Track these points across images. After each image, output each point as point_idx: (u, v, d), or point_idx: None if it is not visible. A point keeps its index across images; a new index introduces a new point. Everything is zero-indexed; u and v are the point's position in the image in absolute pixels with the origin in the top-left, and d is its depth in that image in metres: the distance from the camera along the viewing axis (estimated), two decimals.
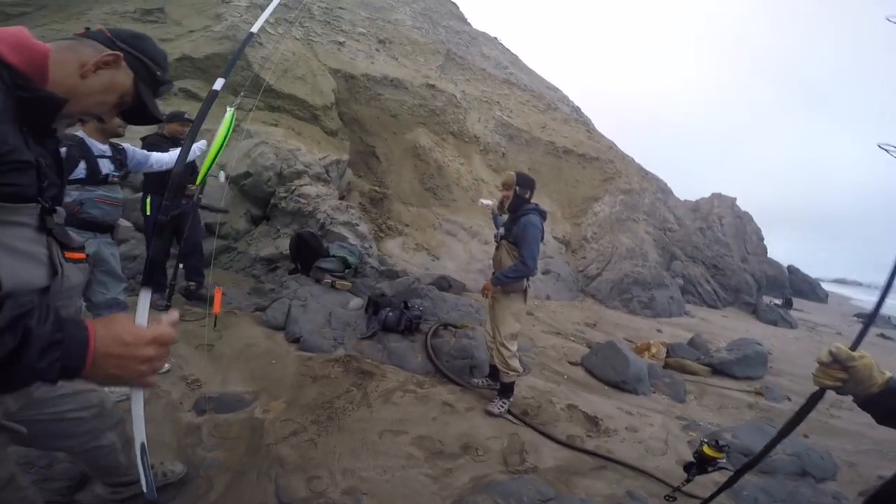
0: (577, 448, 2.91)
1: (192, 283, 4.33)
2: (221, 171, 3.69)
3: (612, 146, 14.35)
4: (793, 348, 9.13)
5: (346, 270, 5.42)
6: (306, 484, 2.13)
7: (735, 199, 18.78)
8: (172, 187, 1.37)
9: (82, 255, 1.06)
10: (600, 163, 12.84)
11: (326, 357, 3.55)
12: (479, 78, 13.06)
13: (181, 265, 4.08)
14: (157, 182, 3.76)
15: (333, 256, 5.41)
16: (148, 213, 3.85)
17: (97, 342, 0.72)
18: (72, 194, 2.34)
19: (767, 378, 6.13)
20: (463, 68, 12.82)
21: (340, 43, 10.03)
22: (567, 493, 2.40)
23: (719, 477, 2.28)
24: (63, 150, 1.08)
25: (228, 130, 1.53)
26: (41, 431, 1.18)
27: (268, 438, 2.43)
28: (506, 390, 3.18)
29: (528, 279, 3.12)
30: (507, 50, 16.68)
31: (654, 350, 5.95)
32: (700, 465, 1.97)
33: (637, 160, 14.89)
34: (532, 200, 3.14)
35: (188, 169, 3.94)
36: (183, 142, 3.57)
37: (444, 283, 6.57)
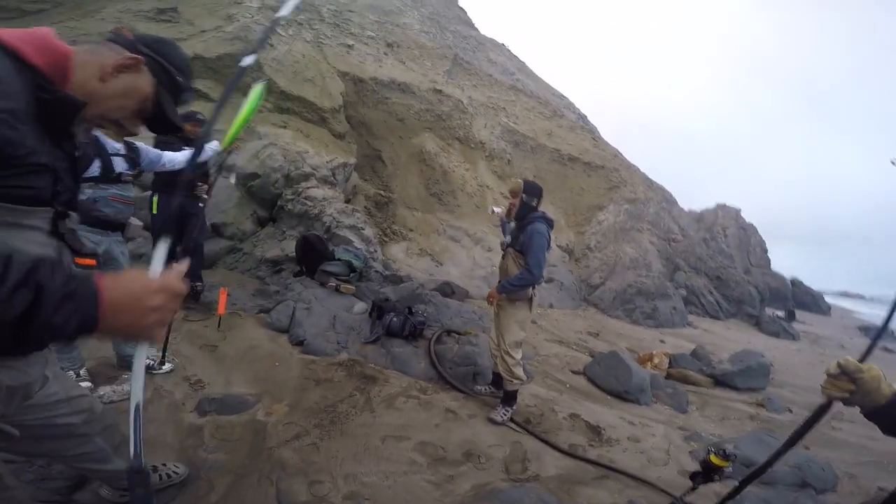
0: (580, 457, 2.89)
1: (199, 284, 4.34)
2: (233, 174, 3.69)
3: (617, 154, 14.36)
4: (795, 360, 9.06)
5: (351, 274, 5.43)
6: (308, 488, 2.12)
7: (739, 210, 18.78)
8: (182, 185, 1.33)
9: (93, 262, 1.04)
10: (605, 171, 12.84)
11: (330, 361, 3.55)
12: (486, 84, 13.11)
13: None
14: (165, 181, 3.79)
15: (338, 260, 5.41)
16: (155, 211, 3.88)
17: (108, 293, 0.71)
18: (86, 192, 2.35)
19: (769, 389, 6.10)
20: (470, 73, 12.87)
21: (349, 46, 10.11)
22: (569, 502, 2.40)
23: (719, 488, 2.27)
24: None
25: (255, 105, 1.52)
26: (30, 435, 1.15)
27: (270, 441, 2.42)
28: (509, 398, 3.17)
29: (533, 287, 3.11)
30: (514, 56, 16.77)
31: (656, 360, 5.93)
32: (706, 473, 1.97)
33: (642, 169, 14.90)
34: (539, 208, 3.14)
35: (199, 168, 3.95)
36: (195, 141, 3.60)
37: (447, 290, 6.56)
